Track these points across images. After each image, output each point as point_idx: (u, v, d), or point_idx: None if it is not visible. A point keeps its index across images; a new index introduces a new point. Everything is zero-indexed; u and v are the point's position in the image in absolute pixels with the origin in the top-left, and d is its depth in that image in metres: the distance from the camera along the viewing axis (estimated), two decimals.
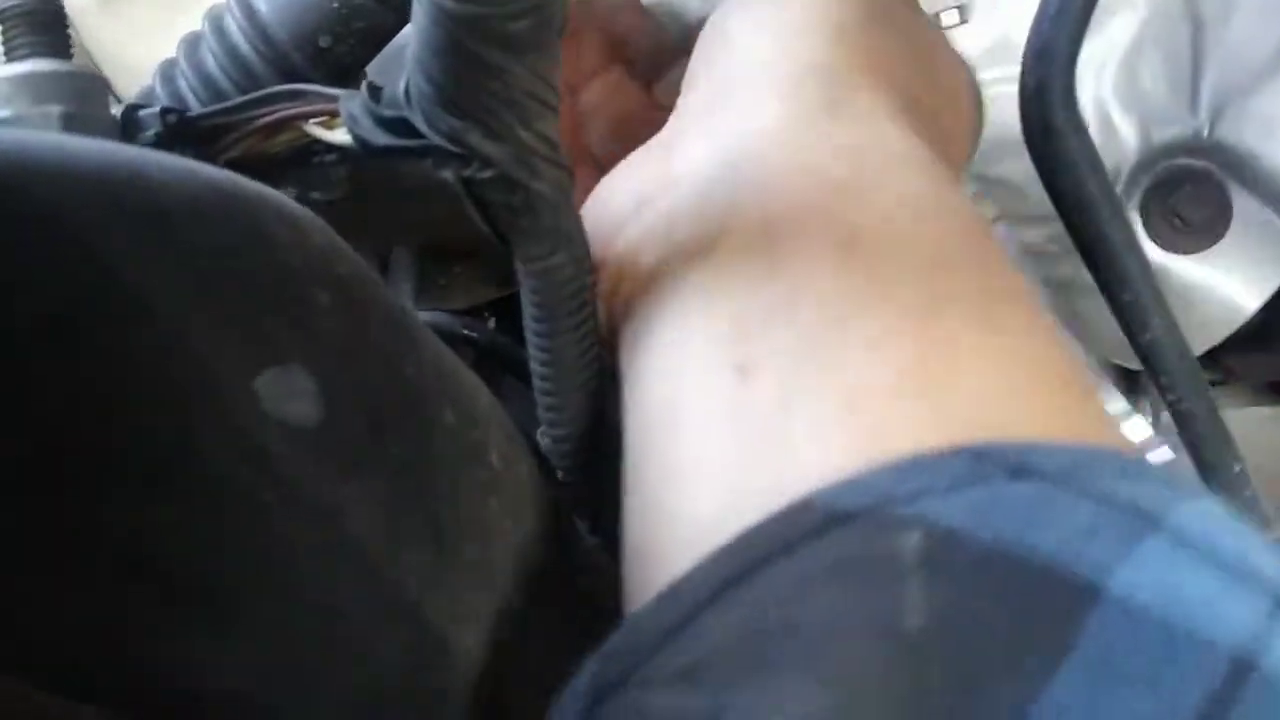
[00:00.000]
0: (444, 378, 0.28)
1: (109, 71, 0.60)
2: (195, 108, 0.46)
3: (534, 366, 0.33)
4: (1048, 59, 0.28)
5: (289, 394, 0.20)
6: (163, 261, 0.19)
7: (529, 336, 0.32)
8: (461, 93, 0.26)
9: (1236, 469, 0.32)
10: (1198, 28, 0.48)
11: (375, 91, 0.30)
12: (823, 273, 0.27)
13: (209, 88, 0.45)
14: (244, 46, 0.44)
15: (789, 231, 0.28)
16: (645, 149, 0.35)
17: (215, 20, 0.45)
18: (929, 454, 0.21)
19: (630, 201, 0.33)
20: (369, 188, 0.39)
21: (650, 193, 0.33)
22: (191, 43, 0.46)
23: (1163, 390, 0.32)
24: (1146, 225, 0.49)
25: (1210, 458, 0.32)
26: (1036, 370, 0.25)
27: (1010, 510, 0.19)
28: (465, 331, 0.46)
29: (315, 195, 0.36)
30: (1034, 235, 0.51)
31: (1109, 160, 0.51)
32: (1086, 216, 0.29)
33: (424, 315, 0.49)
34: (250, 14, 0.45)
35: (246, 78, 0.45)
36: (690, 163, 0.33)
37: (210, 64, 0.45)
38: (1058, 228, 0.54)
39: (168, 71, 0.46)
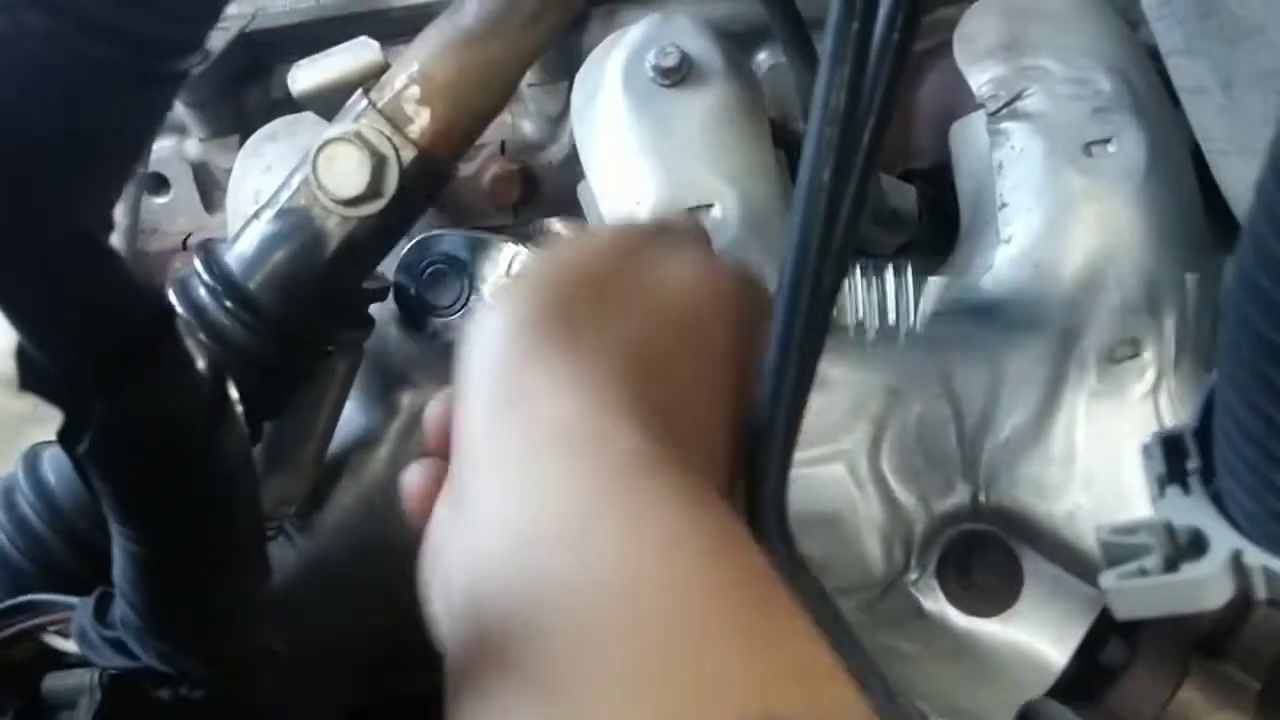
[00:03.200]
0: None
1: None
2: None
3: None
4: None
5: None
6: None
7: None
8: (162, 619, 0.27)
9: None
10: (956, 404, 0.51)
11: (103, 606, 0.30)
12: None
13: None
14: (31, 517, 0.45)
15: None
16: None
17: (7, 494, 0.46)
18: None
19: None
20: None
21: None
22: None
23: None
24: (946, 592, 0.50)
25: None
26: None
27: None
28: None
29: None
30: (846, 604, 0.52)
31: (898, 532, 0.53)
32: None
33: None
34: (39, 487, 0.45)
35: (36, 546, 0.45)
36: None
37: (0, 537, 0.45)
38: (866, 596, 0.55)
39: None
